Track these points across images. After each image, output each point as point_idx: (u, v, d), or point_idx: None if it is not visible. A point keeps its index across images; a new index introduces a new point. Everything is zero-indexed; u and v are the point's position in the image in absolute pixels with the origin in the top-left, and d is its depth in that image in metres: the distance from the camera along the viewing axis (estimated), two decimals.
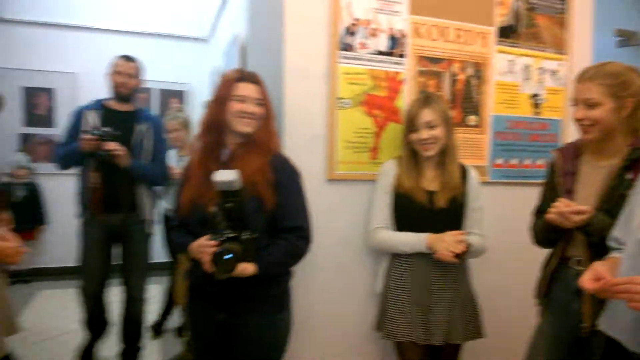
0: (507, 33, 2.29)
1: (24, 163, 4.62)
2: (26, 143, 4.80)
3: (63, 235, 4.62)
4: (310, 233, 1.69)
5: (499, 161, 2.32)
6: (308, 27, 2.01)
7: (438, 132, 1.85)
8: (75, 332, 3.52)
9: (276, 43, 2.10)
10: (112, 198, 2.64)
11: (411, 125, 1.87)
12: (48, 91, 4.83)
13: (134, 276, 2.82)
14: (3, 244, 1.75)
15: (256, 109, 1.66)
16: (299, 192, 1.71)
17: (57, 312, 3.98)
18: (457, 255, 1.77)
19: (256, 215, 1.59)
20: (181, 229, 1.72)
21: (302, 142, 2.02)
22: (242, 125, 1.64)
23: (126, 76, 2.66)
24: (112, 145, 2.52)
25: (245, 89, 1.65)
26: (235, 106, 1.63)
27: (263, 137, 1.68)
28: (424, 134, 1.85)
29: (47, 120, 4.82)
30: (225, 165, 1.60)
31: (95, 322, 2.83)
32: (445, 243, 1.77)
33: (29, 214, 4.59)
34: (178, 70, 5.18)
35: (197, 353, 1.76)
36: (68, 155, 2.63)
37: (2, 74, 4.66)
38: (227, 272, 1.47)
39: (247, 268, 1.52)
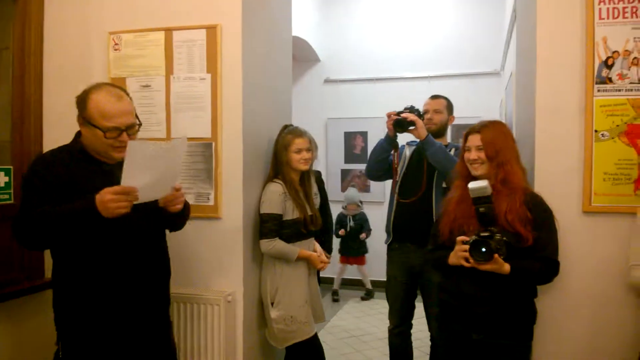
0: None
1: (355, 199, 5.46)
2: (345, 177, 5.95)
3: (380, 250, 5.54)
4: (558, 267, 1.88)
5: None
6: (560, 65, 2.10)
7: None
8: (373, 334, 4.23)
9: (530, 80, 2.25)
10: (412, 216, 2.71)
11: None
12: (363, 134, 5.90)
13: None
14: (312, 254, 2.50)
15: (480, 154, 1.92)
16: (553, 229, 1.89)
17: (363, 317, 4.80)
18: None
19: (514, 249, 1.80)
20: (437, 250, 2.05)
21: (555, 176, 2.10)
22: (474, 170, 1.93)
23: (432, 112, 2.83)
24: (410, 115, 2.63)
25: (471, 140, 1.95)
26: (465, 155, 1.97)
27: (508, 177, 1.90)
28: None
29: (361, 158, 5.87)
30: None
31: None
32: None
33: (358, 242, 5.43)
34: (471, 104, 5.49)
35: None
36: (374, 152, 2.84)
37: (332, 123, 5.96)
38: (484, 260, 1.74)
39: (502, 265, 1.75)
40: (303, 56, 5.78)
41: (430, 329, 2.77)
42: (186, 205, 1.88)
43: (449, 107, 2.91)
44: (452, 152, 2.72)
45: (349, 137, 5.97)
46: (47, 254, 2.21)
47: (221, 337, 2.29)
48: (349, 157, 5.98)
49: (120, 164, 1.62)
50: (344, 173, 5.99)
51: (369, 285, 5.52)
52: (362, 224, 5.41)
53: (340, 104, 5.97)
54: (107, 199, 1.51)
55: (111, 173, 1.69)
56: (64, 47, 2.41)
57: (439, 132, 2.83)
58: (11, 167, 2.14)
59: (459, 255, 1.82)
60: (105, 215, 1.53)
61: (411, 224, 2.73)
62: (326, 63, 6.03)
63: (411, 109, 2.71)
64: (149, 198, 1.64)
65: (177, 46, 2.44)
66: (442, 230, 2.00)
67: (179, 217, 1.87)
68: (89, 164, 1.71)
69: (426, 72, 5.64)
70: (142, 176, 1.54)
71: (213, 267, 2.42)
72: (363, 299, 5.40)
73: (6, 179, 2.11)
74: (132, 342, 1.77)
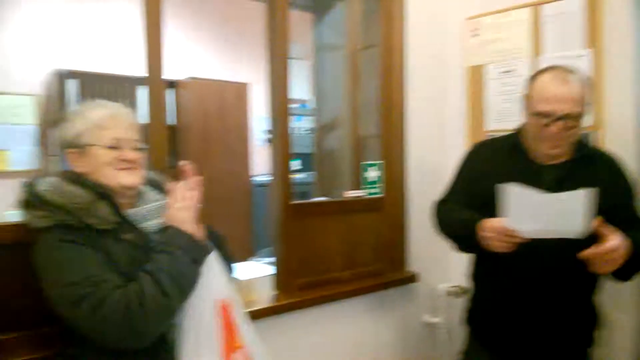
0: None
1: None
2: None
3: None
4: None
5: None
6: None
7: None
8: None
9: None
10: None
11: None
12: None
13: None
14: None
15: None
16: None
17: None
18: None
19: None
20: None
21: None
22: None
23: None
24: None
25: None
26: None
27: None
28: None
29: None
30: None
31: None
32: None
33: None
34: None
35: None
36: None
37: None
38: None
39: None
40: None
41: None
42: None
43: None
44: None
45: None
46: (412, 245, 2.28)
47: None
48: None
49: (548, 168, 1.49)
50: None
51: None
52: None
53: None
54: (482, 233, 1.40)
55: (538, 174, 1.50)
56: (422, 39, 2.38)
57: None
58: (381, 161, 2.22)
59: None
60: (483, 245, 1.40)
61: None
62: None
63: None
64: (541, 236, 1.40)
65: (546, 21, 2.12)
66: None
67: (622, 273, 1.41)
68: (517, 159, 1.56)
69: None
70: (530, 223, 1.35)
71: None
72: None
73: (377, 173, 2.20)
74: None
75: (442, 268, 2.45)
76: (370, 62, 2.45)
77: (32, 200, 1.14)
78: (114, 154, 1.20)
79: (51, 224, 1.11)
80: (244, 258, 2.72)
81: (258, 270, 2.26)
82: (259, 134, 4.33)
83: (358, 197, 2.17)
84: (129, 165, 1.21)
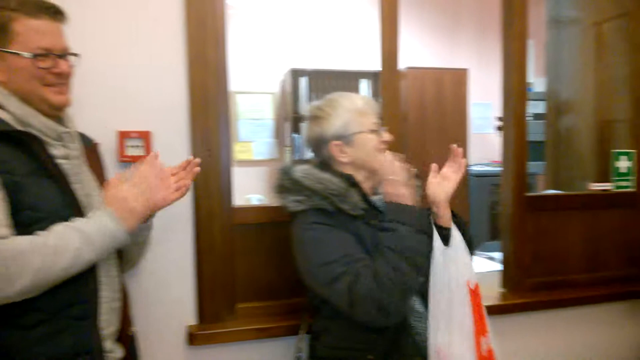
0: None
1: None
2: None
3: None
4: None
5: None
6: None
7: None
8: None
9: None
10: None
11: None
12: None
13: None
14: None
15: None
16: None
17: None
18: None
19: None
20: None
21: None
22: None
23: None
24: None
25: None
26: None
27: None
28: None
29: None
30: None
31: None
32: None
33: None
34: None
35: None
36: None
37: None
38: None
39: None
40: None
41: None
42: None
43: None
44: None
45: None
46: None
47: None
48: None
49: None
50: None
51: None
52: None
53: None
54: None
55: None
56: None
57: None
58: (634, 150, 1.90)
59: None
60: None
61: None
62: None
63: None
64: None
65: None
66: None
67: None
68: None
69: None
70: None
71: None
72: None
73: (629, 163, 1.89)
74: None
75: None
76: (618, 34, 2.12)
77: (289, 186, 1.25)
78: (377, 137, 1.26)
79: (307, 208, 1.21)
80: None
81: (478, 265, 2.15)
82: (476, 121, 4.14)
83: (605, 190, 1.90)
84: (386, 147, 1.28)
